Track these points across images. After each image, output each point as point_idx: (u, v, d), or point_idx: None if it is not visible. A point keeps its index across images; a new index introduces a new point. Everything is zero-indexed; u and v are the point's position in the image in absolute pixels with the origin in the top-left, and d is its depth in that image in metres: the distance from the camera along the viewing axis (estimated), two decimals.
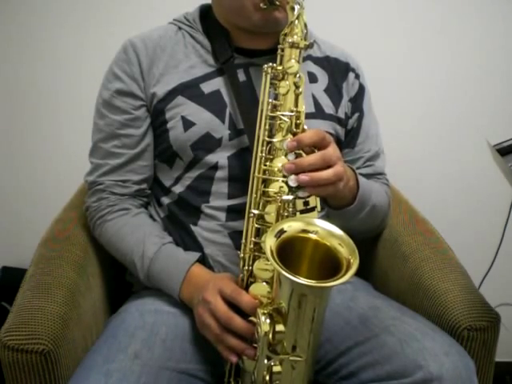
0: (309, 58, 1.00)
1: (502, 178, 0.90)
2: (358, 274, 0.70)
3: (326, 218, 0.95)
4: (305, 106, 0.82)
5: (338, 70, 1.03)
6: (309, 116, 0.82)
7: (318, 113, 0.97)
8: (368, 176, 1.03)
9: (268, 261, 0.78)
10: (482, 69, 1.54)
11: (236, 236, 0.91)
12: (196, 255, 0.91)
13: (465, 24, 1.51)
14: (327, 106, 0.99)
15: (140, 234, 0.93)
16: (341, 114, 1.01)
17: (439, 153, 1.59)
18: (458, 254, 1.01)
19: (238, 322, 0.77)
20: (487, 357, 0.88)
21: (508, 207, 1.59)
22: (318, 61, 1.02)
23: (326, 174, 0.76)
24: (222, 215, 0.93)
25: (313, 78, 0.99)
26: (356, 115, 1.04)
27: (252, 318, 0.76)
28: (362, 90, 1.05)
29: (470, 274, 0.96)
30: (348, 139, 1.04)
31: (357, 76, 1.04)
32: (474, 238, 1.62)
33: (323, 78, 1.01)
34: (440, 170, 1.61)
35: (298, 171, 0.75)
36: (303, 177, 0.75)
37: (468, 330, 0.86)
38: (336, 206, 0.91)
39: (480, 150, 1.50)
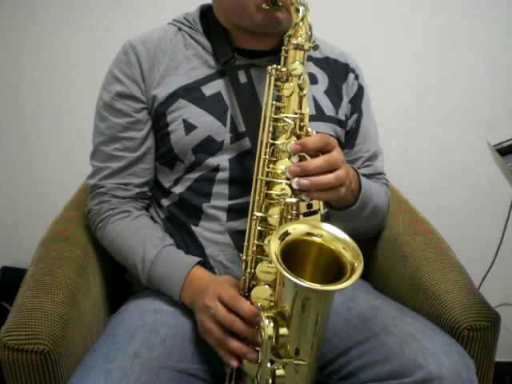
0: (309, 58, 1.00)
1: (502, 178, 0.90)
2: None
3: (326, 218, 0.95)
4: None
5: (337, 72, 1.03)
6: (309, 118, 0.81)
7: (318, 115, 0.97)
8: (367, 176, 1.02)
9: (271, 263, 0.78)
10: (483, 69, 1.54)
11: (236, 236, 0.91)
12: (196, 258, 0.91)
13: (465, 24, 1.51)
14: (327, 107, 0.99)
15: (141, 237, 0.93)
16: (341, 116, 1.01)
17: (439, 153, 1.59)
18: (458, 254, 1.01)
19: (240, 324, 0.77)
20: (487, 357, 0.88)
21: (508, 207, 1.59)
22: (317, 62, 1.02)
23: (327, 178, 0.75)
24: (223, 215, 0.93)
25: (313, 80, 0.99)
26: (355, 116, 1.04)
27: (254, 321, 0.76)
28: (360, 90, 1.05)
29: (470, 274, 0.96)
30: (347, 140, 1.04)
31: (356, 77, 1.04)
32: (474, 237, 1.62)
33: (323, 80, 1.01)
34: (440, 169, 1.61)
35: (302, 174, 0.75)
36: (304, 181, 0.75)
37: (468, 330, 0.86)
38: (338, 206, 0.91)
39: (480, 150, 1.49)
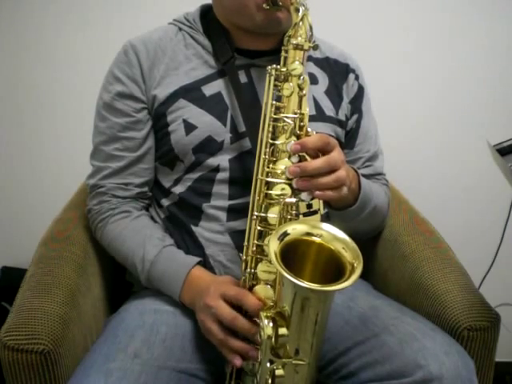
0: (309, 59, 1.00)
1: (502, 178, 0.89)
2: None
3: (326, 218, 0.95)
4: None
5: (338, 72, 1.03)
6: (310, 119, 0.81)
7: (318, 115, 0.97)
8: (367, 176, 1.02)
9: (271, 263, 0.78)
10: (483, 69, 1.54)
11: (236, 236, 0.91)
12: (196, 258, 0.91)
13: (465, 24, 1.51)
14: (328, 108, 0.99)
15: (141, 237, 0.93)
16: (341, 116, 1.01)
17: (439, 153, 1.59)
18: (458, 254, 1.01)
19: (241, 321, 0.77)
20: (487, 357, 0.88)
21: (508, 207, 1.59)
22: (318, 62, 1.02)
23: (326, 179, 0.75)
24: (223, 215, 0.93)
25: (313, 80, 0.99)
26: (355, 116, 1.04)
27: (256, 319, 0.76)
28: (361, 90, 1.05)
29: (470, 274, 0.96)
30: (347, 140, 1.04)
31: (356, 77, 1.04)
32: (474, 237, 1.62)
33: (323, 80, 1.01)
34: (440, 169, 1.61)
35: (302, 175, 0.75)
36: (302, 182, 0.75)
37: (468, 330, 0.86)
38: (338, 206, 0.91)
39: (480, 150, 1.49)
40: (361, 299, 0.93)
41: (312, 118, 0.93)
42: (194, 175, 0.94)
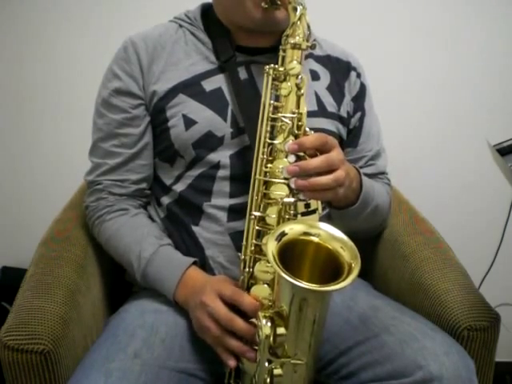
0: (310, 56, 1.00)
1: (502, 178, 0.89)
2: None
3: (327, 218, 0.95)
4: (307, 104, 0.81)
5: (339, 70, 1.03)
6: (311, 114, 0.81)
7: (320, 111, 0.97)
8: (370, 175, 1.02)
9: (269, 263, 0.78)
10: (483, 69, 1.54)
11: (237, 237, 0.91)
12: (192, 258, 0.91)
13: (465, 24, 1.51)
14: (329, 104, 0.99)
15: (138, 235, 0.93)
16: (343, 113, 1.01)
17: (439, 153, 1.59)
18: (458, 254, 1.01)
19: (239, 322, 0.77)
20: (487, 357, 0.88)
21: (508, 207, 1.59)
22: (319, 59, 1.02)
23: (325, 179, 0.75)
24: (224, 215, 0.92)
25: (315, 76, 0.99)
26: (358, 114, 1.04)
27: (253, 320, 0.76)
28: (363, 88, 1.05)
29: (470, 274, 0.96)
30: (350, 138, 1.03)
31: (358, 75, 1.04)
32: (474, 237, 1.62)
33: (325, 76, 1.01)
34: (440, 169, 1.61)
35: (301, 174, 0.75)
36: (301, 182, 0.75)
37: (468, 330, 0.86)
38: (339, 206, 0.91)
39: (480, 150, 1.49)
40: (361, 299, 0.93)
41: (314, 114, 0.93)
42: (195, 172, 0.94)
